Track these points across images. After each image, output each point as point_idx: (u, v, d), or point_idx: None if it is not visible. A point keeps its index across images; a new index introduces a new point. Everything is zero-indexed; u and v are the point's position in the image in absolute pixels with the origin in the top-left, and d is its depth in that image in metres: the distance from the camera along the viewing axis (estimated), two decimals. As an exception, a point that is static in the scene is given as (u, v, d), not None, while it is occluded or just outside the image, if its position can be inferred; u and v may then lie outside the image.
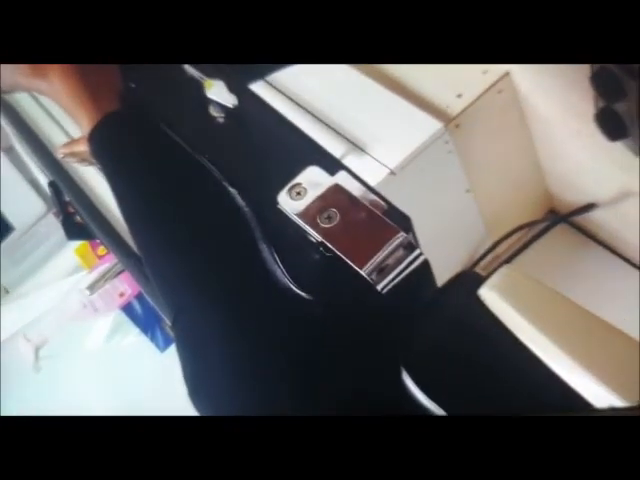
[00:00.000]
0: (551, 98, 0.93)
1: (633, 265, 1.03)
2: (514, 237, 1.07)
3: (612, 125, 0.83)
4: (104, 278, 1.39)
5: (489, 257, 1.05)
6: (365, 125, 0.92)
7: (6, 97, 1.24)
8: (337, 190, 0.64)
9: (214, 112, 0.72)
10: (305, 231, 0.63)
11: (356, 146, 0.91)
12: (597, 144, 0.86)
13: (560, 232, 1.09)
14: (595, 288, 0.99)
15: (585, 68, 0.79)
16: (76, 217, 1.26)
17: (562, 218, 1.09)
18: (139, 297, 1.40)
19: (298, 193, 0.65)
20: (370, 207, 0.63)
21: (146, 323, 1.41)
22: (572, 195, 1.06)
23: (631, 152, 0.83)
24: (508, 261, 1.07)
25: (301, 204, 0.64)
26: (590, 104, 0.83)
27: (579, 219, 1.07)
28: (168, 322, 0.68)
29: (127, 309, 1.42)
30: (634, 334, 0.55)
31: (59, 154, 0.89)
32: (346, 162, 0.86)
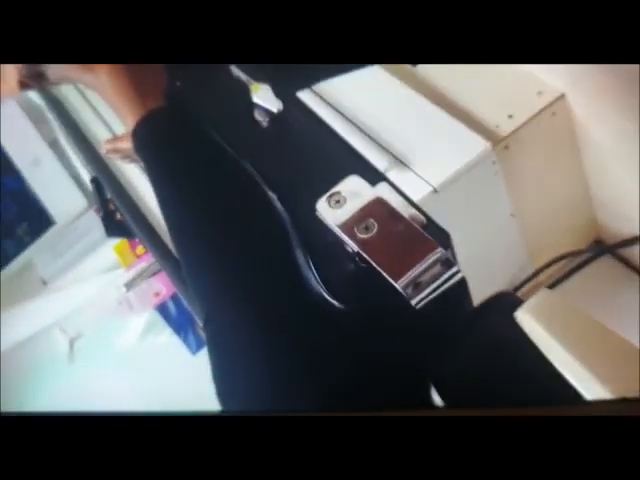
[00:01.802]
0: (605, 123, 0.91)
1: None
2: (557, 265, 1.05)
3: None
4: (141, 277, 1.40)
5: (530, 284, 1.02)
6: (411, 140, 0.91)
7: (53, 90, 1.25)
8: (377, 201, 0.63)
9: (259, 116, 0.72)
10: (342, 240, 0.63)
11: (400, 161, 0.89)
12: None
13: (604, 263, 1.06)
14: (636, 322, 0.96)
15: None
16: (116, 214, 1.27)
17: (607, 249, 1.06)
18: (174, 298, 1.40)
19: (337, 201, 0.64)
20: (409, 220, 0.61)
21: (179, 324, 1.41)
22: (619, 226, 1.03)
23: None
24: (551, 287, 1.04)
25: (339, 213, 0.63)
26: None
27: (624, 251, 1.05)
28: (201, 324, 0.67)
29: (162, 309, 1.43)
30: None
31: (103, 150, 0.89)
32: (389, 176, 0.85)
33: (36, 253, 1.55)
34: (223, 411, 0.57)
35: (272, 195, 0.68)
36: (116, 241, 1.45)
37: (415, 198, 0.86)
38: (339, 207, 0.64)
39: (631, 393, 0.51)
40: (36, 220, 1.49)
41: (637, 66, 0.76)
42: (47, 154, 1.47)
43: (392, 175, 0.88)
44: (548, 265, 1.03)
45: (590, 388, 0.52)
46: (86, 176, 1.38)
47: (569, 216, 1.06)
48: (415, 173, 0.89)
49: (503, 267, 1.03)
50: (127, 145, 0.81)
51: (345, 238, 0.62)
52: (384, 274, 0.59)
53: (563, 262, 1.05)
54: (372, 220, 0.62)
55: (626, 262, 1.06)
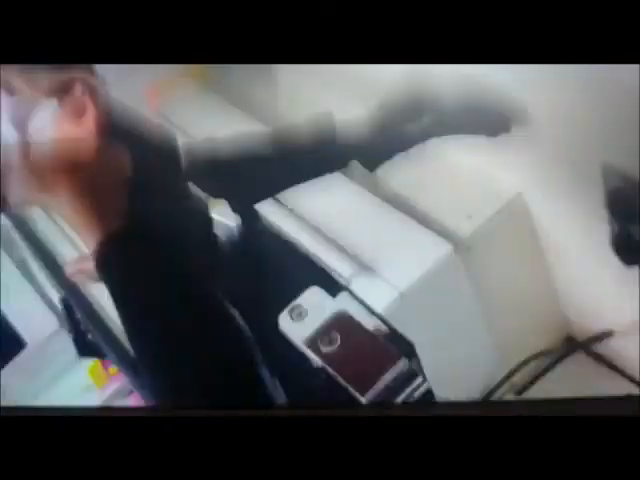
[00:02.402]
0: (565, 221, 0.93)
1: (654, 394, 0.99)
2: (530, 365, 1.04)
3: (629, 249, 0.81)
4: (115, 397, 1.37)
5: (505, 386, 1.01)
6: (375, 246, 0.92)
7: (19, 212, 1.26)
8: (339, 313, 0.63)
9: (218, 231, 0.73)
10: (306, 355, 0.62)
11: (365, 267, 0.90)
12: (613, 268, 0.85)
13: (577, 360, 1.05)
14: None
15: (599, 191, 0.79)
16: (88, 334, 1.26)
17: (579, 346, 1.06)
18: (148, 418, 1.37)
19: (299, 314, 0.64)
20: (372, 332, 0.61)
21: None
22: (590, 321, 1.03)
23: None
24: (523, 390, 1.03)
25: (302, 326, 0.63)
26: (606, 228, 0.82)
27: (597, 346, 1.04)
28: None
29: (136, 430, 1.39)
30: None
31: (67, 271, 0.89)
32: (356, 282, 0.85)
33: (8, 377, 1.52)
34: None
35: (234, 312, 0.67)
36: (89, 362, 1.43)
37: (382, 303, 0.86)
38: (301, 320, 0.64)
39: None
40: (6, 343, 1.47)
41: (595, 164, 0.78)
42: (15, 276, 1.47)
43: (358, 281, 0.89)
44: (521, 365, 1.02)
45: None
46: (56, 297, 1.37)
47: (537, 314, 1.06)
48: (381, 278, 0.89)
49: (477, 370, 1.02)
50: (91, 266, 0.81)
51: (309, 353, 0.62)
52: (350, 389, 0.58)
53: (536, 362, 1.04)
54: (335, 333, 0.62)
55: (599, 357, 1.05)
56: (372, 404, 0.48)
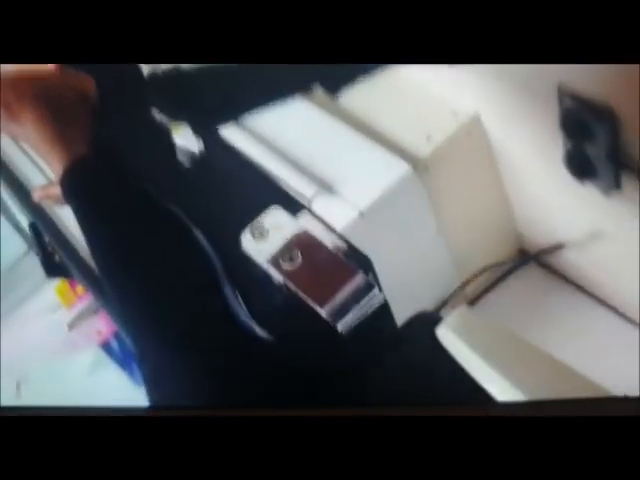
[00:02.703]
0: (520, 140, 0.95)
1: (601, 304, 1.04)
2: (483, 277, 1.08)
3: (581, 166, 0.84)
4: (83, 316, 1.40)
5: (458, 297, 1.06)
6: (335, 166, 0.94)
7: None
8: (299, 231, 0.65)
9: (181, 155, 0.74)
10: (268, 272, 0.64)
11: (325, 187, 0.92)
12: (566, 185, 0.88)
13: (529, 272, 1.10)
14: (562, 327, 1.00)
15: (554, 110, 0.81)
16: (55, 256, 1.27)
17: (530, 258, 1.10)
18: (117, 335, 1.40)
19: (260, 234, 0.66)
20: (331, 248, 0.64)
21: (124, 360, 1.41)
22: (541, 235, 1.07)
23: (600, 192, 0.84)
24: (476, 300, 1.08)
25: (264, 245, 0.65)
26: (558, 145, 0.85)
27: (548, 259, 1.09)
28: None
29: (105, 347, 1.43)
30: (596, 372, 0.56)
31: (35, 197, 0.90)
32: (317, 203, 0.88)
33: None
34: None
35: (197, 231, 0.69)
36: (57, 282, 1.45)
37: (343, 222, 0.89)
38: (263, 239, 0.66)
39: (544, 395, 0.54)
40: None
41: (549, 84, 0.79)
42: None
43: (319, 202, 0.91)
44: (474, 277, 1.06)
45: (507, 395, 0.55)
46: (24, 221, 1.38)
47: (492, 229, 1.09)
48: (341, 198, 0.92)
49: (433, 283, 1.06)
50: (57, 191, 0.82)
51: (271, 270, 0.64)
52: (310, 302, 0.61)
53: (489, 273, 1.09)
54: (296, 251, 0.64)
55: (550, 269, 1.10)
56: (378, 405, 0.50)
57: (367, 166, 0.94)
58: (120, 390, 1.42)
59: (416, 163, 0.93)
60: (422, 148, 0.95)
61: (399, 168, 0.92)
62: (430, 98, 0.99)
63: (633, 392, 0.59)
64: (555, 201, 0.98)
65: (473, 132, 0.97)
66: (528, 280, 1.09)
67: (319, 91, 0.83)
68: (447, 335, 0.60)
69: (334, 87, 0.84)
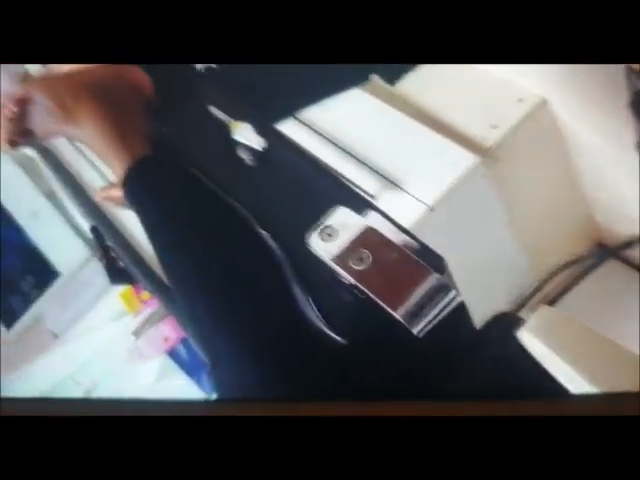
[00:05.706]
0: (590, 126, 0.91)
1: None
2: (562, 274, 1.04)
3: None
4: (149, 323, 1.40)
5: (537, 296, 1.01)
6: (399, 161, 0.91)
7: (44, 144, 1.26)
8: (368, 231, 0.63)
9: (242, 154, 0.72)
10: (338, 273, 0.62)
11: (391, 182, 0.89)
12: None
13: (609, 267, 1.05)
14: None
15: (623, 95, 0.77)
16: (119, 262, 1.27)
17: (610, 252, 1.05)
18: (184, 342, 1.39)
19: (329, 234, 0.64)
20: (402, 248, 0.61)
21: (192, 368, 1.40)
22: (620, 226, 1.02)
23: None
24: (555, 300, 1.03)
25: (332, 246, 0.63)
26: (630, 131, 0.80)
27: (629, 252, 1.04)
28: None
29: (173, 354, 1.42)
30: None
31: (97, 198, 0.90)
32: (382, 199, 0.85)
33: (44, 307, 1.55)
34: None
35: (264, 234, 0.68)
36: (121, 288, 1.45)
37: (411, 218, 0.86)
38: (331, 240, 0.64)
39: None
40: (40, 273, 1.50)
41: (618, 65, 0.76)
42: (45, 206, 1.48)
43: (386, 197, 0.88)
44: (552, 275, 1.02)
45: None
46: (86, 225, 1.38)
47: (567, 221, 1.05)
48: (408, 193, 0.89)
49: (507, 281, 1.02)
50: (119, 193, 0.81)
51: (340, 271, 0.62)
52: (383, 305, 0.59)
53: (568, 271, 1.04)
54: (365, 251, 0.62)
55: (630, 263, 1.05)
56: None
57: (432, 158, 0.90)
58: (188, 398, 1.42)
59: (483, 153, 0.89)
60: (488, 137, 0.91)
61: (466, 159, 0.89)
62: (493, 84, 0.95)
63: None
64: (629, 189, 0.93)
65: (540, 119, 0.93)
66: (609, 276, 1.04)
67: (375, 79, 0.81)
68: (530, 338, 0.57)
69: (390, 75, 0.82)
